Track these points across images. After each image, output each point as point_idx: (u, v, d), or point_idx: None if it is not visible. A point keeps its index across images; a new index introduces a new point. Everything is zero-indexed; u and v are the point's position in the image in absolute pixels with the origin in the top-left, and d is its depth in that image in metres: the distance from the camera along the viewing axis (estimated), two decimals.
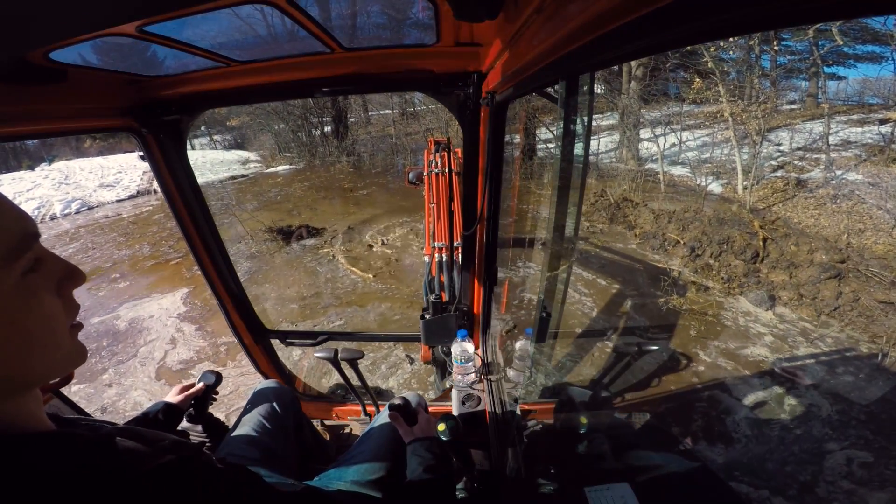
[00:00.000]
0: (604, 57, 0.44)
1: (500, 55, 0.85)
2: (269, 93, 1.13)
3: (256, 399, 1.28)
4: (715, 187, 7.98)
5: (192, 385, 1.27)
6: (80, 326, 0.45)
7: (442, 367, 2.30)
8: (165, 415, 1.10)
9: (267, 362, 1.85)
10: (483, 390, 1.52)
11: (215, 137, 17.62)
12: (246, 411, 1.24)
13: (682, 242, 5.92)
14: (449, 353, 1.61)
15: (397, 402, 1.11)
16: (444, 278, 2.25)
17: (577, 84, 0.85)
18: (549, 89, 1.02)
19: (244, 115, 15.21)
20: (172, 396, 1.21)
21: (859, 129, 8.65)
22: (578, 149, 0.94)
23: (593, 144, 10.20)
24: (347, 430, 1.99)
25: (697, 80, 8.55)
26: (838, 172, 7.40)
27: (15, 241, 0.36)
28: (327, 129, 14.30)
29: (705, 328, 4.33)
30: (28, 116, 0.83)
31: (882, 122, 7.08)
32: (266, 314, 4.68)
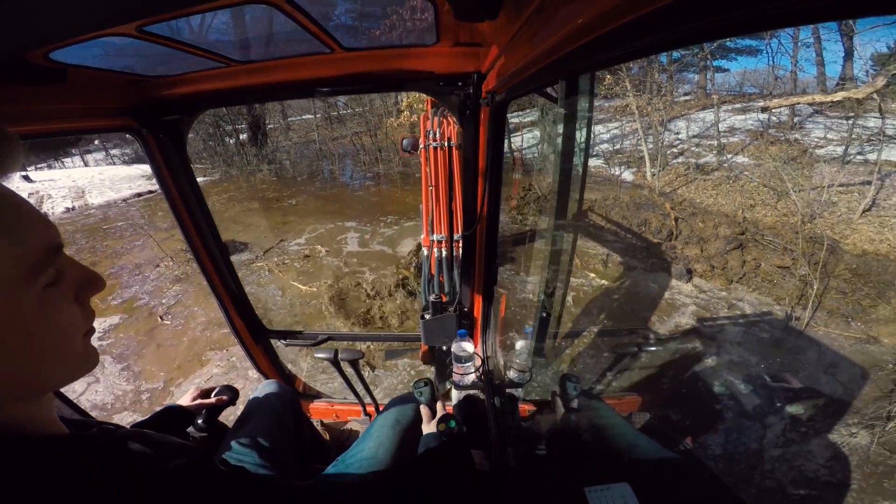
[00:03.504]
0: (603, 57, 0.44)
1: (500, 55, 0.85)
2: (269, 93, 1.13)
3: (256, 399, 1.28)
4: (627, 175, 8.62)
5: (209, 392, 1.25)
6: (92, 331, 0.45)
7: (442, 367, 2.30)
8: (176, 419, 1.10)
9: (267, 362, 1.85)
10: (483, 390, 1.52)
11: (112, 152, 16.24)
12: (246, 411, 1.24)
13: (606, 228, 6.37)
14: (449, 353, 1.61)
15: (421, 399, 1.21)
16: (444, 277, 2.23)
17: (576, 84, 0.85)
18: (549, 89, 1.02)
19: None
20: (187, 400, 1.20)
21: (742, 117, 9.72)
22: (578, 148, 0.95)
23: (517, 140, 10.43)
24: (347, 430, 1.99)
25: (608, 76, 9.09)
26: (728, 156, 8.29)
27: (38, 257, 0.36)
28: (243, 136, 13.60)
29: (637, 304, 4.65)
30: (28, 116, 0.83)
31: (763, 109, 7.81)
32: (198, 342, 4.36)
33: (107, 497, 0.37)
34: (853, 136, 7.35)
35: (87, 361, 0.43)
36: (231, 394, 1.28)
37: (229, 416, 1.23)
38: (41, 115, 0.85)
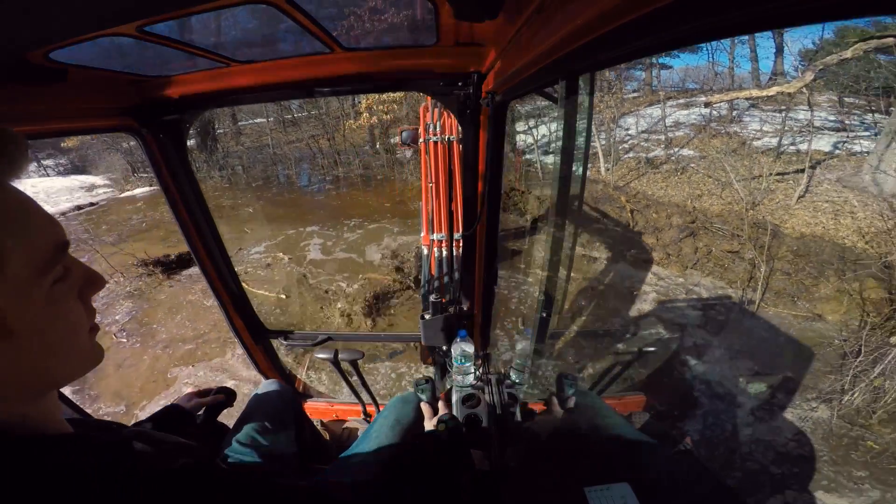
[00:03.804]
0: (604, 57, 0.44)
1: (500, 55, 0.85)
2: (269, 93, 1.13)
3: (258, 398, 1.28)
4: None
5: (208, 392, 1.25)
6: (97, 328, 0.46)
7: (442, 367, 2.29)
8: (176, 419, 1.10)
9: (267, 362, 1.85)
10: (483, 390, 1.52)
11: (46, 162, 14.97)
12: (247, 411, 1.24)
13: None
14: (448, 354, 1.61)
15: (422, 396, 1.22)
16: (445, 277, 2.23)
17: (577, 84, 0.85)
18: (549, 89, 1.02)
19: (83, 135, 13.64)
20: (184, 400, 1.20)
21: (686, 112, 10.39)
22: (578, 148, 0.95)
23: None
24: (347, 431, 1.99)
25: None
26: (675, 150, 8.82)
27: (48, 255, 0.37)
28: (191, 142, 12.61)
29: (601, 293, 4.86)
30: (28, 116, 0.82)
31: (706, 104, 8.30)
32: (160, 360, 4.11)
33: (110, 496, 0.37)
34: (786, 127, 7.91)
35: (93, 357, 0.44)
36: (228, 394, 1.28)
37: (228, 417, 1.23)
38: (41, 115, 0.85)
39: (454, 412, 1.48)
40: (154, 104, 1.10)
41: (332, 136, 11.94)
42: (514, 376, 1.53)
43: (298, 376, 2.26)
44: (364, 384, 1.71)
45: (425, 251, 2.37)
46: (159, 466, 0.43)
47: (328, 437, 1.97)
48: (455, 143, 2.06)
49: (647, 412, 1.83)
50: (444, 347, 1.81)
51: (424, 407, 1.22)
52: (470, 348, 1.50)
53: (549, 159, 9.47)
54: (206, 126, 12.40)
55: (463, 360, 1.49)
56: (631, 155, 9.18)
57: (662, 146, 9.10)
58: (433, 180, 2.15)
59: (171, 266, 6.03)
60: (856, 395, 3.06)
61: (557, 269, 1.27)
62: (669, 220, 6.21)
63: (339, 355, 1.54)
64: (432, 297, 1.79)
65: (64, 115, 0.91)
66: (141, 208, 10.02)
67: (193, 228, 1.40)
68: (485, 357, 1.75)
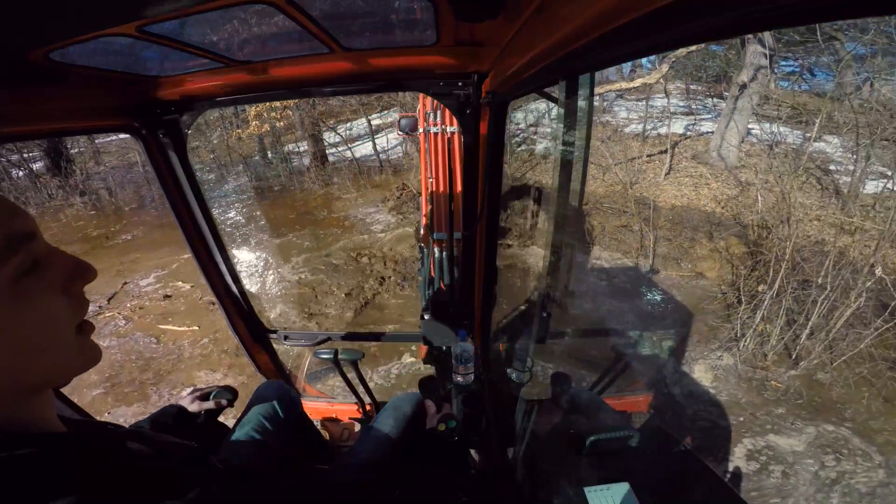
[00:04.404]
0: (604, 57, 0.44)
1: (500, 55, 0.85)
2: (269, 92, 1.13)
3: (258, 398, 1.28)
4: None
5: (208, 395, 1.24)
6: (90, 326, 0.43)
7: (442, 366, 2.29)
8: (176, 420, 1.09)
9: (267, 362, 1.85)
10: (483, 390, 1.52)
11: None
12: (247, 411, 1.24)
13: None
14: (448, 353, 1.61)
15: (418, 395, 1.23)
16: (444, 278, 2.23)
17: (576, 84, 0.85)
18: (549, 89, 1.02)
19: None
20: (186, 402, 1.20)
21: None
22: (578, 148, 0.95)
23: (382, 142, 10.60)
24: (347, 430, 1.99)
25: None
26: None
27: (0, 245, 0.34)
28: (37, 165, 10.86)
29: (523, 276, 5.32)
30: (29, 116, 0.83)
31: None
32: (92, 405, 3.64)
33: (105, 496, 0.36)
34: (648, 114, 8.90)
35: (83, 358, 0.42)
36: (230, 395, 1.28)
37: (228, 417, 1.23)
38: (42, 115, 0.85)
39: (454, 412, 1.48)
40: (154, 104, 1.10)
41: (215, 148, 10.64)
42: (514, 376, 1.53)
43: (298, 376, 2.26)
44: (364, 384, 1.71)
45: (425, 250, 2.37)
46: (155, 466, 0.42)
47: (328, 437, 1.97)
48: (456, 135, 1.96)
49: (647, 412, 1.83)
50: (444, 347, 1.81)
51: (428, 405, 1.23)
52: (470, 348, 1.50)
53: None
54: (56, 146, 10.59)
55: (463, 360, 1.49)
56: (524, 147, 9.77)
57: (549, 138, 9.75)
58: (433, 175, 2.09)
59: None
60: (748, 342, 3.38)
61: (557, 269, 1.28)
62: None
63: (339, 355, 1.54)
64: (432, 297, 1.79)
65: (65, 115, 0.91)
66: None
67: (193, 228, 1.40)
68: (485, 357, 1.75)
